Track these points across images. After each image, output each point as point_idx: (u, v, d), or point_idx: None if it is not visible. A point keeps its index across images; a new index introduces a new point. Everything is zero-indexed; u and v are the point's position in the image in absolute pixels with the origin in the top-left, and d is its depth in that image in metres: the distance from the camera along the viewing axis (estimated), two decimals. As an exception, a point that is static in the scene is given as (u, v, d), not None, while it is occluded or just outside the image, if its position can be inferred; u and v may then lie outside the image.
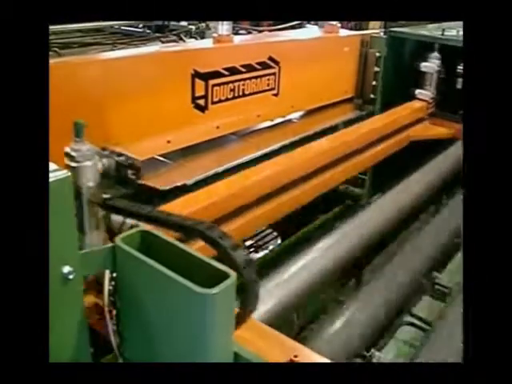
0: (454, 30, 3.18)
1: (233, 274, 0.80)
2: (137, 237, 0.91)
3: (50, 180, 0.78)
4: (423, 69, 3.16)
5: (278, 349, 0.96)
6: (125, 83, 1.94)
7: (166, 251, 0.88)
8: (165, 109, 2.11)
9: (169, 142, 2.12)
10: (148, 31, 4.40)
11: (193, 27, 3.56)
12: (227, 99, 2.40)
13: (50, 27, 3.80)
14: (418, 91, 3.16)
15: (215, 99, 2.33)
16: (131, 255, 0.85)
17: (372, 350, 1.86)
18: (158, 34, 3.82)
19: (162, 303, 0.85)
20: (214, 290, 0.76)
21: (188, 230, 0.94)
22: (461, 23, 2.90)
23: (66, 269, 0.83)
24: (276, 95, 2.70)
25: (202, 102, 2.27)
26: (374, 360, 1.87)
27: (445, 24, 3.32)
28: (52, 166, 0.82)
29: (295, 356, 0.95)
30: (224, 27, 2.37)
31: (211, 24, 3.45)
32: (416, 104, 3.10)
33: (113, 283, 0.96)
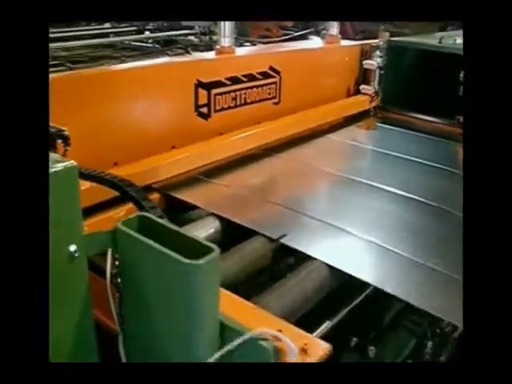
0: (450, 39, 3.29)
1: (217, 249, 0.91)
2: (135, 221, 1.02)
3: (58, 169, 0.90)
4: (366, 66, 3.37)
5: (263, 323, 1.05)
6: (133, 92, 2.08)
7: (161, 233, 0.99)
8: (170, 116, 2.25)
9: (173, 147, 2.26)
10: (157, 46, 4.59)
11: (195, 39, 3.71)
12: (229, 107, 2.52)
13: (61, 44, 3.97)
14: (362, 86, 3.40)
15: (218, 107, 2.46)
16: (131, 236, 0.96)
17: (370, 347, 1.94)
18: (165, 48, 3.98)
19: (158, 278, 0.96)
20: (200, 261, 0.87)
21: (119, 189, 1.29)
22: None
23: (73, 247, 0.94)
24: (277, 104, 2.82)
25: (205, 110, 2.40)
26: (371, 354, 1.94)
27: (452, 33, 3.43)
28: (59, 157, 0.94)
29: (279, 331, 1.03)
30: (226, 39, 2.51)
31: (214, 37, 3.59)
32: (360, 97, 3.38)
33: (115, 268, 1.07)
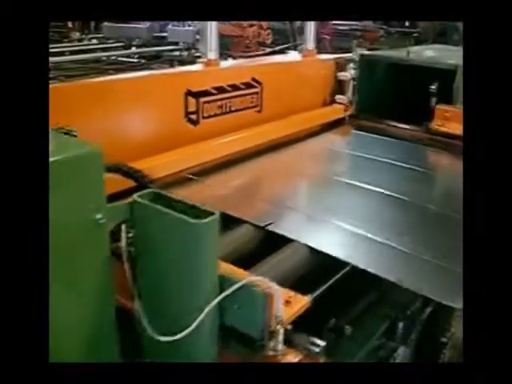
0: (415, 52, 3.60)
1: (217, 212, 1.13)
2: (148, 195, 1.24)
3: (87, 151, 1.12)
4: (340, 78, 3.64)
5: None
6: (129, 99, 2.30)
7: (170, 204, 1.21)
8: (162, 121, 2.48)
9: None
10: (143, 61, 4.82)
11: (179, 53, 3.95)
12: (216, 114, 2.76)
13: (54, 59, 4.17)
14: (337, 96, 3.66)
15: (206, 114, 2.69)
16: (145, 205, 1.18)
17: (347, 327, 2.14)
18: (152, 62, 4.21)
19: (168, 239, 1.17)
20: (204, 220, 1.10)
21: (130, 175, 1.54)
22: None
23: (99, 215, 1.16)
24: (259, 112, 3.07)
25: (194, 116, 2.63)
26: (347, 333, 2.15)
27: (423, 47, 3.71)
28: (88, 142, 1.16)
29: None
30: (212, 53, 2.76)
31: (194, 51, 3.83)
32: (336, 107, 3.65)
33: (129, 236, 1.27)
